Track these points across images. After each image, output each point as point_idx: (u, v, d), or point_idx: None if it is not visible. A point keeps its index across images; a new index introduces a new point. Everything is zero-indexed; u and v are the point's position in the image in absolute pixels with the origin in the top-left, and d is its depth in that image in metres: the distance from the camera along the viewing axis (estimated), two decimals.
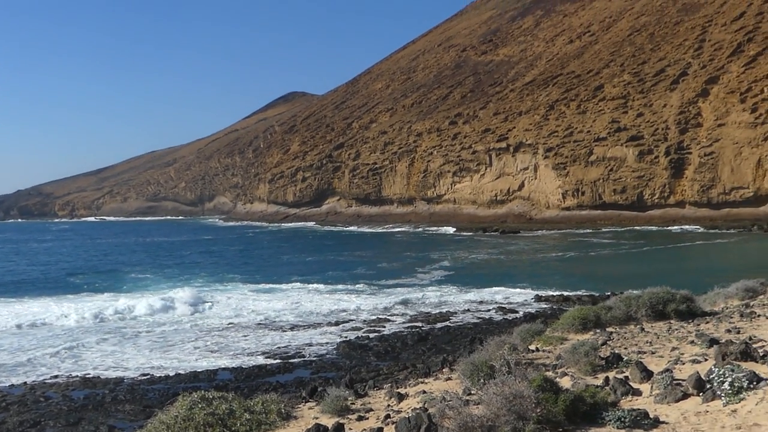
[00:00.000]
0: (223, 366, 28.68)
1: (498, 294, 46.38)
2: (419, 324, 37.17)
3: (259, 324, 38.60)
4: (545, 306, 41.13)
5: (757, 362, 11.09)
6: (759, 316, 16.86)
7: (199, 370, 27.73)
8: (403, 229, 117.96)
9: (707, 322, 16.81)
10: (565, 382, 11.52)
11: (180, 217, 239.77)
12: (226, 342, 33.94)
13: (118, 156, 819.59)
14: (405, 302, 44.49)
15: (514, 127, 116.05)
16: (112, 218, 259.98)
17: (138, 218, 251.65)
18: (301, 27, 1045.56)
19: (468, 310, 41.06)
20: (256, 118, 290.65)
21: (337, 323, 38.34)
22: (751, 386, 9.50)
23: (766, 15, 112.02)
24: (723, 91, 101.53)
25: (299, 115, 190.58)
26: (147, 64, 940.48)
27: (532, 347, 16.24)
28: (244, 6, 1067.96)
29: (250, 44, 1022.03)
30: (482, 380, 11.46)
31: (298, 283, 54.94)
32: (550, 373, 12.35)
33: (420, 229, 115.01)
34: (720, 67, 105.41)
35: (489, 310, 40.56)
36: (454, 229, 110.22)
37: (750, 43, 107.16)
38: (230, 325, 38.41)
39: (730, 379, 9.70)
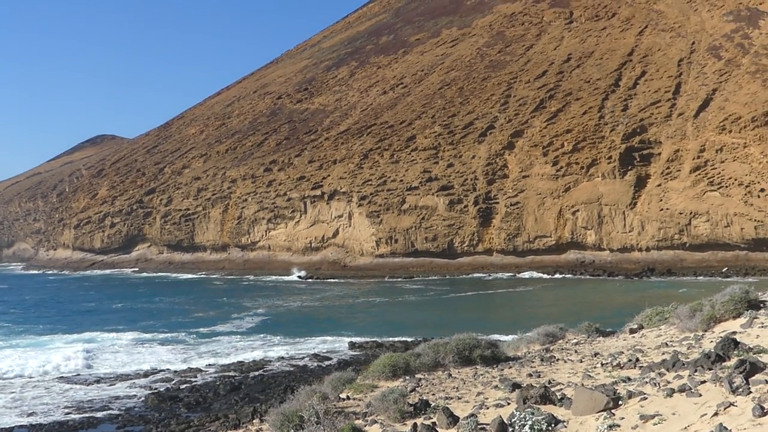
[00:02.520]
0: (19, 424, 26.98)
1: (313, 341, 46.30)
2: (233, 373, 36.52)
3: (62, 377, 36.68)
4: (359, 353, 41.40)
5: (555, 405, 11.55)
6: (558, 360, 17.62)
7: None
8: (217, 275, 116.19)
9: (510, 367, 17.40)
10: (375, 430, 11.57)
11: None
12: (23, 398, 31.96)
13: None
14: (218, 350, 43.62)
15: (329, 175, 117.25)
16: None
17: None
18: (110, 69, 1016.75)
19: (282, 357, 40.75)
20: (61, 161, 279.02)
21: (146, 374, 37.00)
22: (550, 428, 9.87)
23: (565, 74, 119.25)
24: (527, 144, 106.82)
25: (108, 159, 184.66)
26: None
27: (343, 395, 16.24)
28: (49, 44, 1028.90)
29: (57, 86, 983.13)
30: (292, 431, 11.34)
31: (105, 333, 52.66)
32: (359, 422, 12.38)
33: (235, 276, 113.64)
34: (524, 122, 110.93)
35: (303, 358, 40.41)
36: (270, 276, 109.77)
37: (551, 100, 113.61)
38: (28, 380, 36.23)
39: (530, 423, 10.06)
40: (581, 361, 16.99)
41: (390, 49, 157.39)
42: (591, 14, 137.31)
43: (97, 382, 35.18)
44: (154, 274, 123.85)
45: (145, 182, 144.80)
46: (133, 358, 41.41)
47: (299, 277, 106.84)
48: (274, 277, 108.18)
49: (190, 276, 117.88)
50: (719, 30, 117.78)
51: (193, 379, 35.12)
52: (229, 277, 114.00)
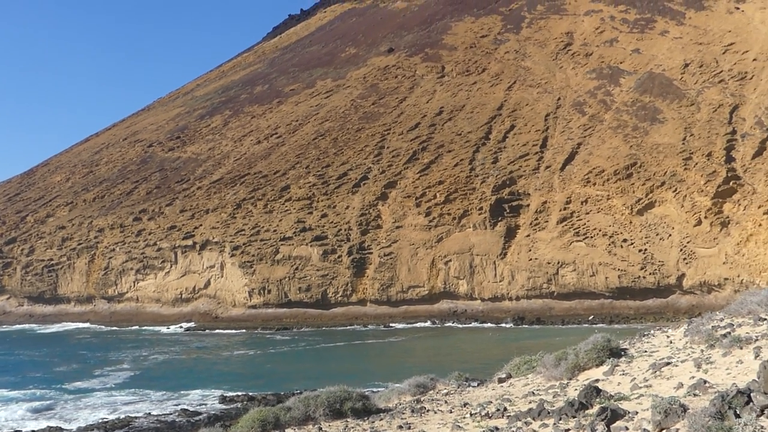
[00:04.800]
0: None
1: (182, 395, 45.02)
2: None
3: None
4: (230, 407, 40.48)
5: None
6: (428, 411, 17.59)
7: None
8: (82, 328, 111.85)
9: (381, 419, 17.26)
10: None
11: None
12: None
13: None
14: (80, 408, 41.83)
15: (201, 225, 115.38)
16: None
17: None
18: None
19: (150, 414, 39.39)
20: None
21: None
22: None
23: (438, 127, 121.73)
24: (400, 195, 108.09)
25: None
26: None
27: None
28: None
29: None
30: None
31: None
32: None
33: (101, 329, 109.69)
34: (398, 173, 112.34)
35: (172, 414, 39.17)
36: (137, 327, 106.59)
37: (424, 152, 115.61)
38: None
39: None
40: (451, 412, 17.00)
41: (264, 99, 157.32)
42: (462, 69, 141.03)
43: None
44: (13, 328, 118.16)
45: (5, 231, 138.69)
46: None
47: (169, 328, 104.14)
48: (143, 329, 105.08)
49: (53, 329, 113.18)
50: (583, 87, 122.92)
51: None
52: (96, 329, 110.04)
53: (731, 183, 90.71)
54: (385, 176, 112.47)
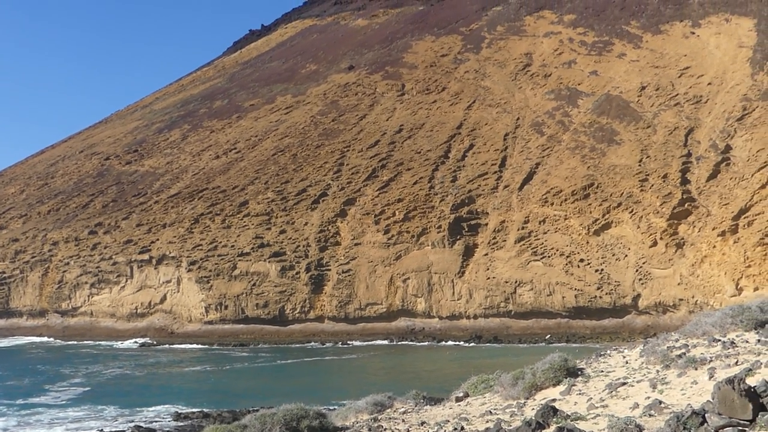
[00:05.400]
0: None
1: (135, 412, 44.42)
2: None
3: None
4: (184, 424, 40.02)
5: None
6: (385, 429, 17.52)
7: None
8: (34, 342, 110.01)
9: None
10: None
11: None
12: None
13: None
14: (31, 425, 41.09)
15: (158, 239, 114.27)
16: None
17: None
18: None
19: (102, 430, 38.81)
20: None
21: None
22: None
23: (397, 144, 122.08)
24: (359, 212, 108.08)
25: None
26: None
27: None
28: None
29: None
30: None
31: None
32: None
33: (54, 344, 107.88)
34: (357, 190, 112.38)
35: (125, 431, 38.61)
36: (91, 342, 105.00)
37: (383, 170, 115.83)
38: None
39: None
40: (408, 431, 16.95)
41: (224, 114, 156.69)
42: (422, 87, 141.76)
43: None
44: None
45: None
46: None
47: (123, 343, 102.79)
48: (97, 344, 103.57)
49: (3, 344, 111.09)
50: (542, 107, 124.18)
51: None
52: (49, 344, 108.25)
53: (686, 205, 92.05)
54: (344, 193, 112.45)
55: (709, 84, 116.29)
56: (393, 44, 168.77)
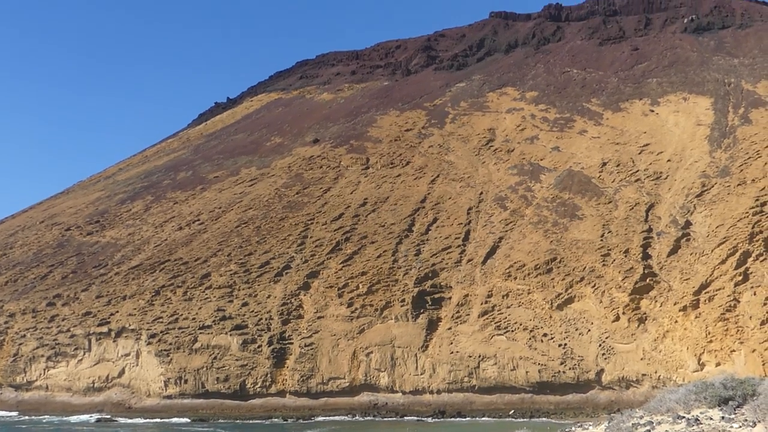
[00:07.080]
0: None
1: None
2: None
3: None
4: None
5: None
6: None
7: None
8: None
9: None
10: None
11: None
12: None
13: None
14: None
15: (118, 311, 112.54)
16: None
17: None
18: None
19: None
20: None
21: None
22: None
23: (361, 218, 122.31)
24: (323, 285, 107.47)
25: None
26: None
27: None
28: None
29: None
30: None
31: None
32: None
33: (8, 418, 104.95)
34: (320, 263, 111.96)
35: None
36: (46, 416, 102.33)
37: (347, 243, 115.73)
38: None
39: None
40: None
41: (188, 185, 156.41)
42: (386, 161, 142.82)
43: None
44: None
45: None
46: None
47: (78, 418, 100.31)
48: (51, 420, 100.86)
49: None
50: (505, 182, 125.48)
51: None
52: (2, 419, 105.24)
53: (648, 280, 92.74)
54: (307, 266, 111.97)
55: (669, 161, 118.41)
56: (358, 118, 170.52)
